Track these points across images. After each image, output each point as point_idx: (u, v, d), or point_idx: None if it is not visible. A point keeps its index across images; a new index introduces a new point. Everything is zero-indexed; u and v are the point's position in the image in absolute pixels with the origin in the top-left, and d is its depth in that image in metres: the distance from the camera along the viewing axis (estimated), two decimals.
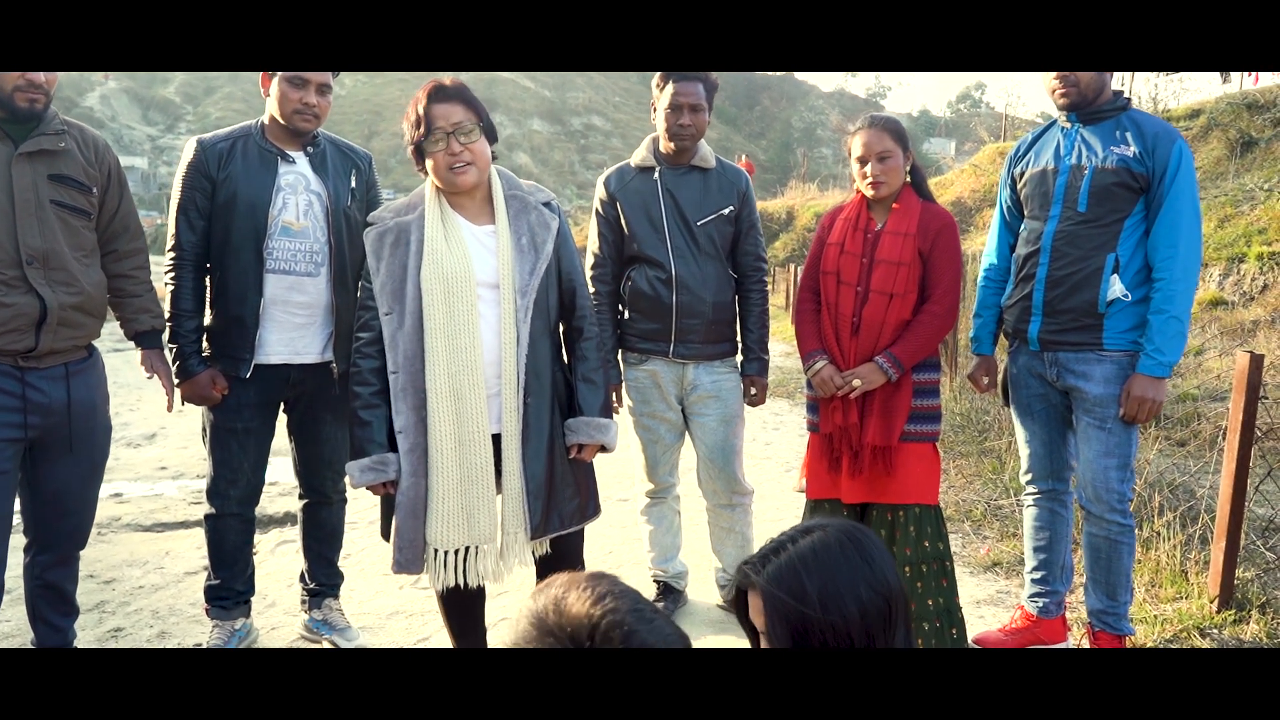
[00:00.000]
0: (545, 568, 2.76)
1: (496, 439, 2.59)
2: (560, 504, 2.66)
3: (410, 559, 2.54)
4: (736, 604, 1.53)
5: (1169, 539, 3.87)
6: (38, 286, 2.55)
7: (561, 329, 2.80)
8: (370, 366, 2.58)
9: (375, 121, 64.98)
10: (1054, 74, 2.92)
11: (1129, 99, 2.96)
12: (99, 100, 59.42)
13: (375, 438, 2.56)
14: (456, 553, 2.55)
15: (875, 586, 1.38)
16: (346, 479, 2.76)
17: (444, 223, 2.58)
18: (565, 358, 2.80)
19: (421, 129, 2.50)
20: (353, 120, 63.68)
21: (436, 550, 2.54)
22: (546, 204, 2.70)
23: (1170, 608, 3.50)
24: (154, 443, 6.73)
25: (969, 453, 5.70)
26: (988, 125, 29.49)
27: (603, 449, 2.74)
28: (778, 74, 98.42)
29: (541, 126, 71.18)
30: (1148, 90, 15.28)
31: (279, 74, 2.95)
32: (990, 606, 3.74)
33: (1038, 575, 3.28)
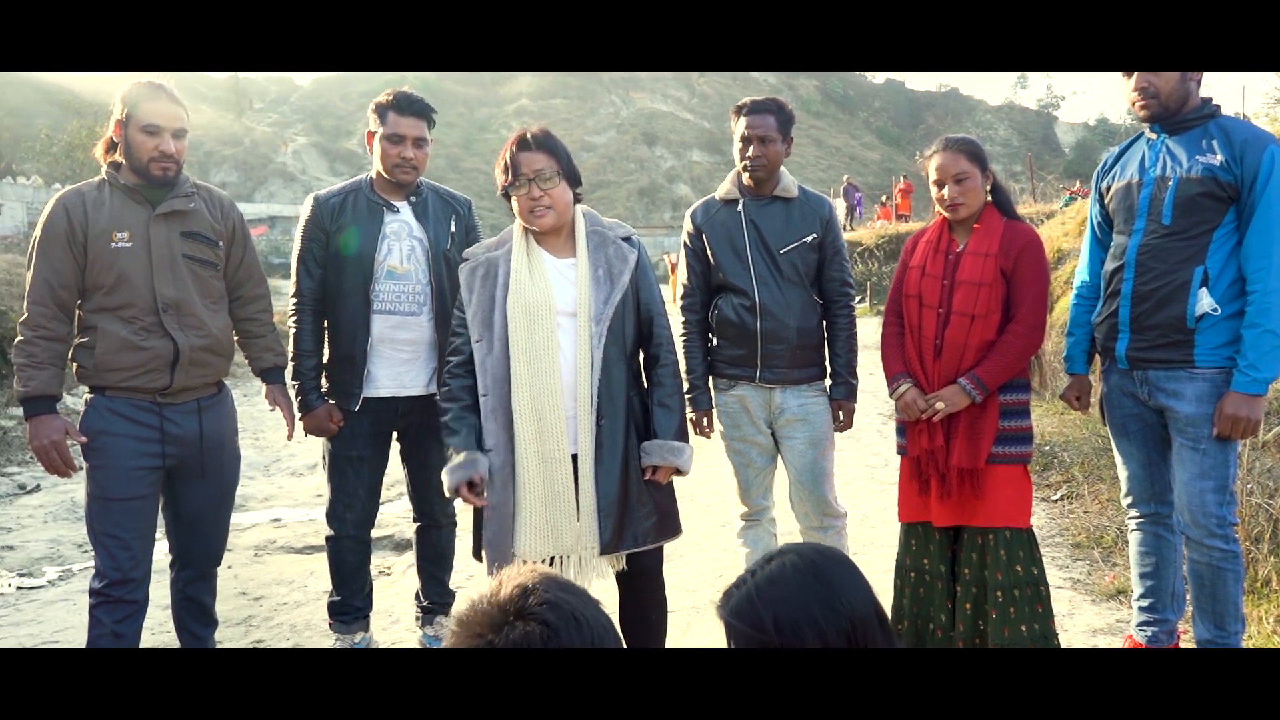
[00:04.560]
0: (625, 583, 2.89)
1: (577, 459, 2.75)
2: (635, 522, 2.78)
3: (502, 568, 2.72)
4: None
5: None
6: (171, 331, 2.89)
7: (642, 356, 2.94)
8: (459, 385, 2.80)
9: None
10: (1133, 85, 2.85)
11: (1217, 106, 2.85)
12: (292, 156, 64.02)
13: (465, 443, 2.74)
14: (543, 562, 2.72)
15: (831, 608, 1.42)
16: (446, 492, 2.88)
17: (529, 256, 2.80)
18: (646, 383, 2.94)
19: (508, 175, 2.73)
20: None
21: (525, 561, 2.71)
22: (626, 239, 2.88)
23: None
24: (315, 472, 7.25)
25: (1106, 477, 5.45)
26: None
27: (678, 472, 2.85)
28: (942, 90, 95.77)
29: (701, 157, 71.80)
30: None
31: (380, 133, 3.24)
32: (1107, 636, 3.59)
33: (1145, 603, 3.14)
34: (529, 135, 2.75)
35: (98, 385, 2.90)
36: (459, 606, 1.32)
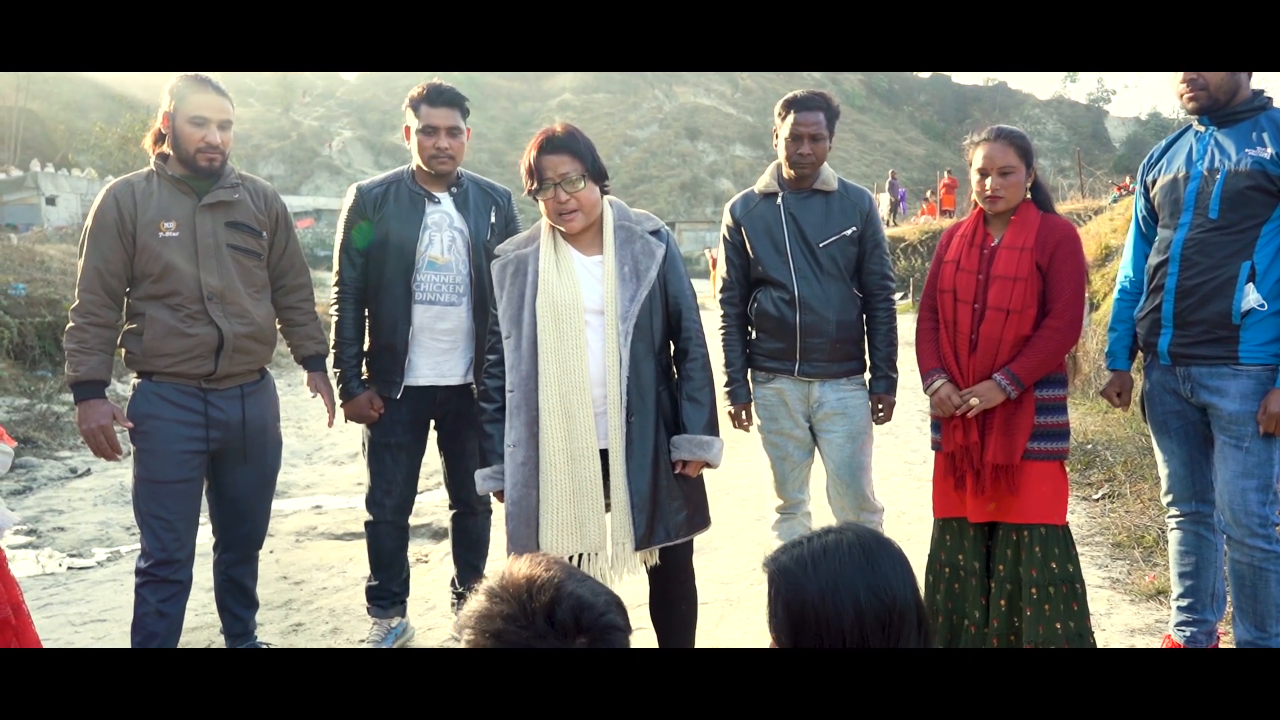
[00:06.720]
0: (655, 576, 2.90)
1: (605, 454, 2.77)
2: (667, 516, 2.79)
3: None
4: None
5: None
6: (216, 319, 2.96)
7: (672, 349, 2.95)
8: (495, 385, 2.84)
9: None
10: (1181, 77, 2.81)
11: (1269, 98, 2.79)
12: (337, 150, 64.81)
13: (497, 449, 2.82)
14: (570, 559, 2.74)
15: (876, 592, 1.44)
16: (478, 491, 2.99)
17: (557, 254, 2.80)
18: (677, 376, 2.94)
19: (533, 180, 2.73)
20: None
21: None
22: (655, 232, 2.86)
23: None
24: (356, 460, 7.36)
25: (1149, 476, 5.37)
26: None
27: (707, 465, 2.85)
28: (989, 85, 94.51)
29: (744, 152, 71.54)
30: None
31: (415, 127, 3.28)
32: (1145, 636, 3.55)
33: (1184, 603, 3.10)
34: (552, 137, 2.72)
35: (145, 371, 2.97)
36: (478, 596, 1.36)
